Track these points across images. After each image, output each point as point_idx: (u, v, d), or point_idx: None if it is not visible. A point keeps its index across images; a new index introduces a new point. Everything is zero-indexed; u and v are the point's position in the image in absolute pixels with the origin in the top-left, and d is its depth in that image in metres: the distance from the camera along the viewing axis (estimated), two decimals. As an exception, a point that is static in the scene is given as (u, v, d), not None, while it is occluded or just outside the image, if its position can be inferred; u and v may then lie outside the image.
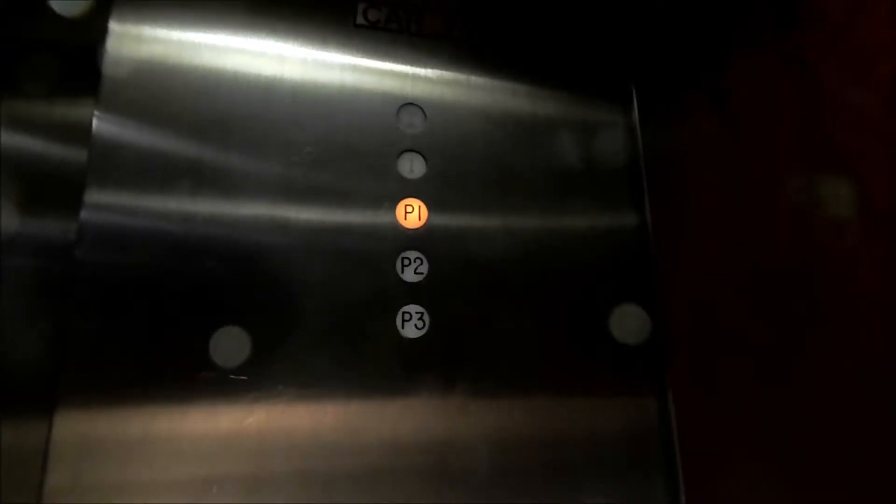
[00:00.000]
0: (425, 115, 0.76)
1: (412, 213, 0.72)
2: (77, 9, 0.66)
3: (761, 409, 0.61)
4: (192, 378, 0.60)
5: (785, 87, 0.60)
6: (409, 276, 0.70)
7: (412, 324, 0.68)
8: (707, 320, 0.69)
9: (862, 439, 0.51)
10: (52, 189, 0.61)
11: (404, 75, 0.77)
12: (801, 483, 0.56)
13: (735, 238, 0.65)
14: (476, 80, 0.79)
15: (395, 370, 0.67)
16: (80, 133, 0.63)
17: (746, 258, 0.64)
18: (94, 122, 0.63)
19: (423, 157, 0.74)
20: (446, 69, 0.79)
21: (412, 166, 0.73)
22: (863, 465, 0.51)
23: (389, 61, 0.77)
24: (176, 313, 0.61)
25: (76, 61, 0.65)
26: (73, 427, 0.56)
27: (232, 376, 0.61)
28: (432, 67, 0.78)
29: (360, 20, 0.77)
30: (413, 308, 0.69)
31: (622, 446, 0.71)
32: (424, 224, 0.72)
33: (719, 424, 0.66)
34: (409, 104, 0.76)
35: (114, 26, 0.67)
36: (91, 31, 0.66)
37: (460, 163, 0.75)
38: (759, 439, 0.61)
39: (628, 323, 0.75)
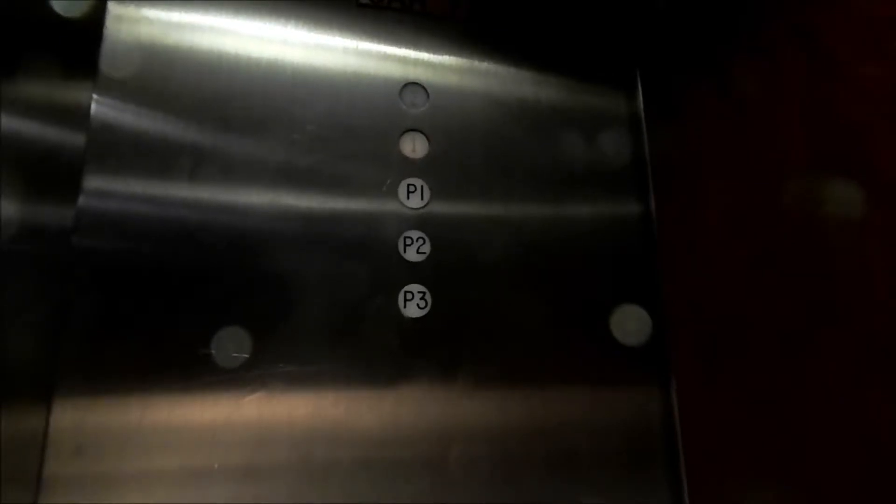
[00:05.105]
0: (428, 95, 0.70)
1: (414, 193, 0.67)
2: (78, 10, 0.60)
3: (766, 404, 0.57)
4: (191, 363, 0.56)
5: (791, 61, 0.55)
6: (411, 255, 0.65)
7: (414, 303, 0.64)
8: (711, 313, 0.65)
9: (869, 434, 0.46)
10: (49, 174, 0.56)
11: (408, 55, 0.71)
12: (804, 478, 0.52)
13: (741, 227, 0.61)
14: (480, 63, 0.74)
15: (397, 350, 0.62)
16: (78, 117, 0.58)
17: (752, 248, 0.59)
18: (93, 105, 0.58)
19: (426, 136, 0.69)
20: (450, 50, 0.73)
21: (414, 146, 0.68)
22: (868, 462, 0.47)
23: (393, 41, 0.71)
24: (175, 299, 0.57)
25: (74, 43, 0.60)
26: (71, 415, 0.52)
27: (234, 354, 0.57)
28: (436, 48, 0.73)
29: (363, -1, 0.71)
30: (415, 288, 0.64)
31: (625, 438, 0.67)
32: (427, 204, 0.67)
33: (723, 418, 0.62)
34: (411, 83, 0.70)
35: (112, 7, 0.62)
36: (89, 12, 0.60)
37: (463, 144, 0.70)
38: (763, 434, 0.57)
39: (630, 323, 0.70)
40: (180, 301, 0.57)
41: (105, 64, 0.60)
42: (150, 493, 0.52)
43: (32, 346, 0.53)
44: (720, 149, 0.64)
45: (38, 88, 0.56)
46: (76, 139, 0.57)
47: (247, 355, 0.57)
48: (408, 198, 0.66)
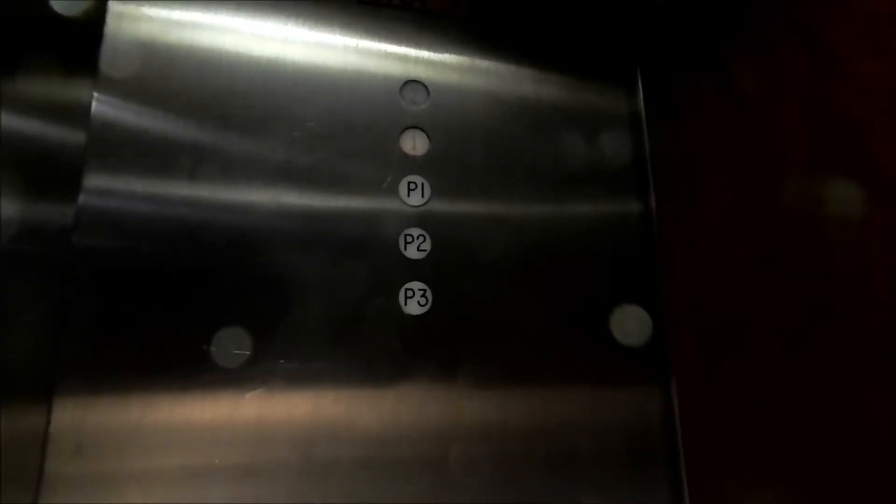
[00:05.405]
0: (428, 93, 0.70)
1: (415, 191, 0.67)
2: (78, 8, 0.60)
3: (766, 403, 0.56)
4: (192, 362, 0.55)
5: (791, 57, 0.55)
6: (411, 253, 0.65)
7: (415, 300, 0.64)
8: (711, 312, 0.64)
9: (869, 434, 0.46)
10: (49, 173, 0.56)
11: (408, 52, 0.71)
12: (804, 478, 0.52)
13: (742, 226, 0.60)
14: (480, 61, 0.73)
15: (397, 348, 0.62)
16: (78, 115, 0.57)
17: (752, 247, 0.58)
18: (93, 103, 0.58)
19: (426, 134, 0.68)
20: (450, 48, 0.73)
21: (415, 143, 0.68)
22: (868, 462, 0.46)
23: (393, 38, 0.71)
24: (175, 298, 0.57)
25: (74, 41, 0.60)
26: (72, 414, 0.52)
27: (234, 353, 0.56)
28: (436, 45, 0.72)
29: (362, -4, 0.70)
30: (416, 285, 0.64)
31: (625, 438, 0.67)
32: (427, 201, 0.66)
33: (723, 418, 0.62)
34: (412, 81, 0.70)
35: (113, 5, 0.61)
36: (90, 10, 0.60)
37: (463, 141, 0.70)
38: (763, 434, 0.56)
39: (630, 323, 0.70)
40: (180, 300, 0.56)
41: (105, 62, 0.59)
42: (150, 492, 0.52)
43: (33, 346, 0.53)
44: (720, 146, 0.63)
45: (39, 87, 0.56)
46: (77, 138, 0.57)
47: (247, 353, 0.57)
48: (408, 195, 0.66)
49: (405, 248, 0.64)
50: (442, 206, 0.67)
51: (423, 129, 0.68)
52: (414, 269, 0.64)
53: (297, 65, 0.66)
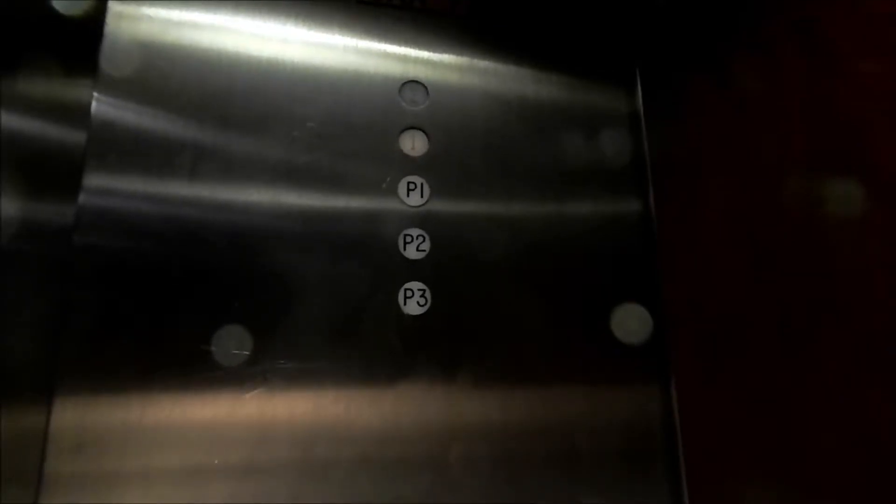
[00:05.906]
0: (428, 93, 0.70)
1: (414, 191, 0.66)
2: (78, 8, 0.60)
3: (766, 403, 0.56)
4: (192, 361, 0.55)
5: (792, 57, 0.54)
6: (411, 253, 0.65)
7: (414, 301, 0.64)
8: (711, 312, 0.64)
9: (869, 434, 0.46)
10: (50, 172, 0.56)
11: (407, 52, 0.71)
12: (804, 478, 0.52)
13: (741, 226, 0.60)
14: (480, 61, 0.73)
15: (397, 348, 0.62)
16: (78, 115, 0.57)
17: (752, 247, 0.58)
18: (93, 103, 0.58)
19: (426, 134, 0.68)
20: (450, 48, 0.73)
21: (414, 143, 0.68)
22: (868, 462, 0.46)
23: (392, 38, 0.71)
24: (175, 297, 0.57)
25: (74, 41, 0.60)
26: (72, 413, 0.52)
27: (234, 352, 0.56)
28: (436, 45, 0.72)
29: (362, -4, 0.70)
30: (415, 285, 0.64)
31: (625, 437, 0.66)
32: (426, 202, 0.66)
33: (722, 418, 0.62)
34: (411, 81, 0.70)
35: (113, 5, 0.61)
36: (90, 10, 0.60)
37: (463, 141, 0.70)
38: (763, 434, 0.56)
39: (631, 322, 0.70)
40: (180, 299, 0.56)
41: (105, 62, 0.59)
42: (150, 490, 0.52)
43: (33, 345, 0.53)
44: (720, 146, 0.63)
45: (39, 86, 0.56)
46: (77, 137, 0.57)
47: (247, 353, 0.57)
48: (407, 195, 0.66)
49: (404, 249, 0.64)
50: (441, 206, 0.67)
51: (422, 130, 0.68)
52: (413, 270, 0.64)
53: (297, 65, 0.65)
